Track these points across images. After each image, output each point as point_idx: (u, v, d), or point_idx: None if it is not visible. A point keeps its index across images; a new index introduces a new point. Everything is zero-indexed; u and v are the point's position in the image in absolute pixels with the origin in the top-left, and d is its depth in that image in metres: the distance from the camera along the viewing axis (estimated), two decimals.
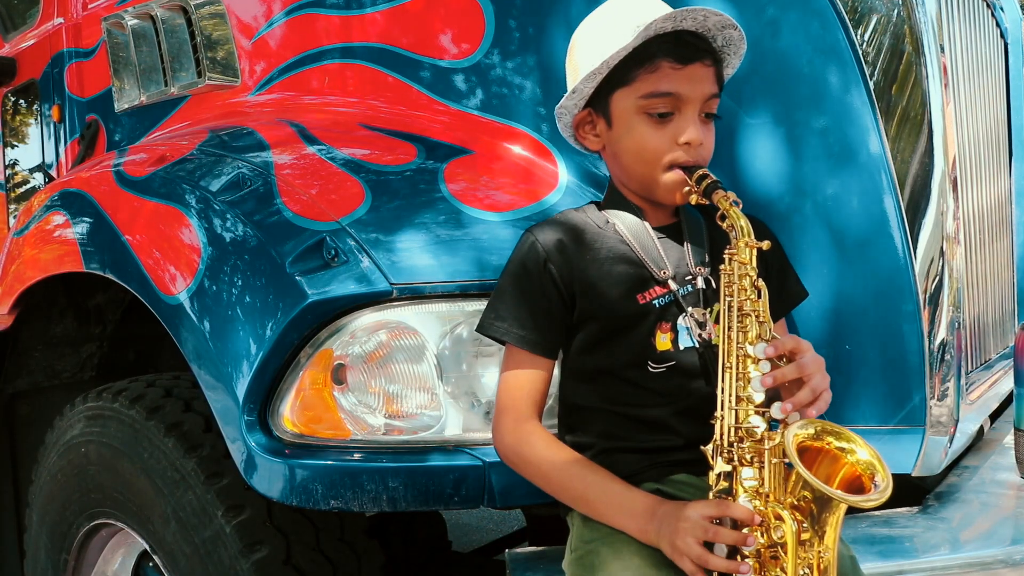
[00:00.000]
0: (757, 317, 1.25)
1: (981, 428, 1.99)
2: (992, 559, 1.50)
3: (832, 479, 1.21)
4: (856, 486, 1.21)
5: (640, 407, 1.35)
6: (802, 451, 1.20)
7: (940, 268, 1.62)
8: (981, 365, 1.97)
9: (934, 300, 1.62)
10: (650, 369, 1.34)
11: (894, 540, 1.53)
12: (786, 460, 1.20)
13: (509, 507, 1.52)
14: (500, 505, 1.48)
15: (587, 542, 1.34)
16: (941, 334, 1.62)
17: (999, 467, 1.83)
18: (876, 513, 1.61)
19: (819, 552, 1.19)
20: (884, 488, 1.17)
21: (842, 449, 1.22)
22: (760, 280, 1.27)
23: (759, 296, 1.26)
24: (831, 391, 1.26)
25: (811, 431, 1.22)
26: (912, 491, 1.71)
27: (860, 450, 1.22)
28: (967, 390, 1.75)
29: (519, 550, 1.55)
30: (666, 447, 1.35)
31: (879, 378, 1.63)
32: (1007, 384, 2.07)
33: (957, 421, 1.65)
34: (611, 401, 1.36)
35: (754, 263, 1.27)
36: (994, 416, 2.10)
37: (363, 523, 1.82)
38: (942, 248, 1.62)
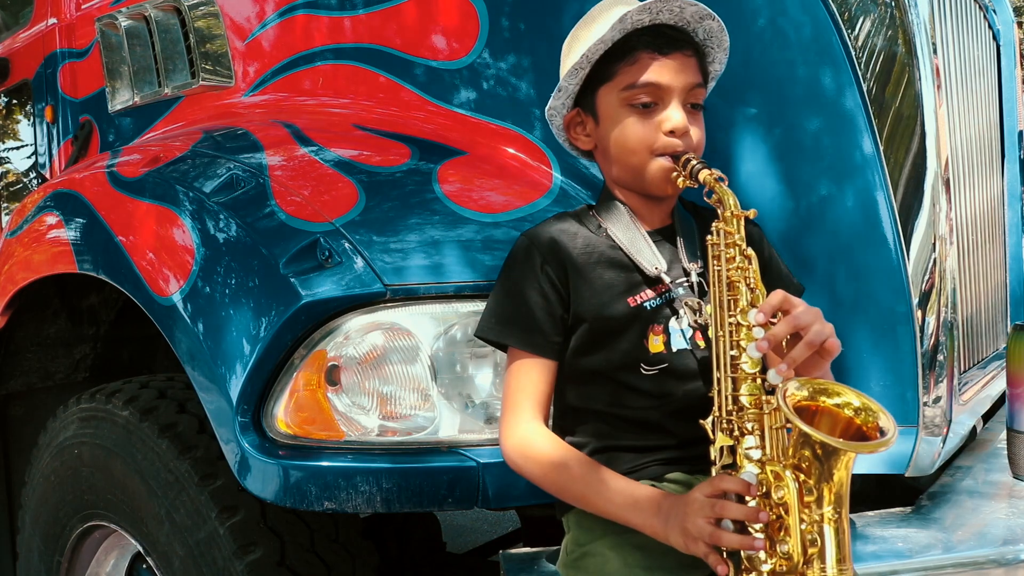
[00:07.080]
0: (747, 283, 1.25)
1: (974, 429, 1.99)
2: (984, 559, 1.50)
3: (835, 436, 1.16)
4: (860, 439, 1.16)
5: (633, 409, 1.35)
6: (799, 411, 1.15)
7: (933, 269, 1.62)
8: (974, 366, 1.98)
9: (927, 301, 1.62)
10: (643, 371, 1.34)
11: (887, 540, 1.53)
12: (788, 426, 1.18)
13: (503, 508, 1.52)
14: (494, 506, 1.48)
15: (582, 544, 1.34)
16: (934, 335, 1.62)
17: (992, 467, 1.83)
18: (869, 513, 1.61)
19: (825, 513, 1.14)
20: (891, 435, 1.12)
21: (838, 405, 1.18)
22: (749, 249, 1.27)
23: (749, 263, 1.26)
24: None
25: (805, 392, 1.18)
26: (905, 491, 1.72)
27: (855, 399, 1.18)
28: (960, 391, 1.75)
29: (514, 551, 1.55)
30: (660, 447, 1.35)
31: (872, 379, 1.63)
32: (1000, 385, 2.07)
33: (950, 421, 1.65)
34: (605, 403, 1.36)
35: (742, 232, 1.27)
36: (987, 416, 2.10)
37: (357, 524, 1.82)
38: (935, 249, 1.62)
